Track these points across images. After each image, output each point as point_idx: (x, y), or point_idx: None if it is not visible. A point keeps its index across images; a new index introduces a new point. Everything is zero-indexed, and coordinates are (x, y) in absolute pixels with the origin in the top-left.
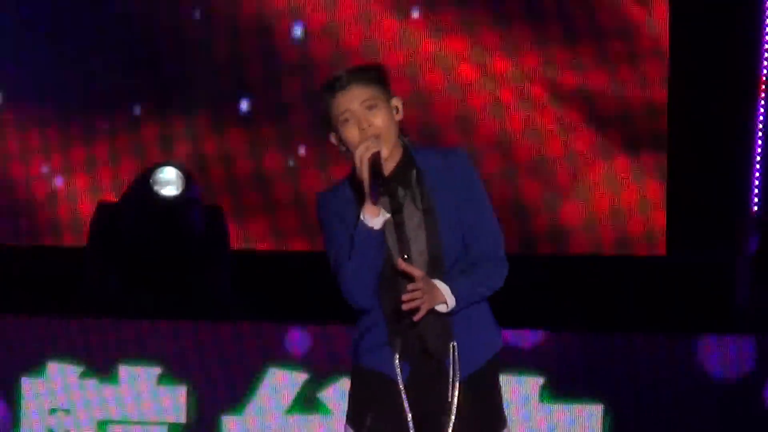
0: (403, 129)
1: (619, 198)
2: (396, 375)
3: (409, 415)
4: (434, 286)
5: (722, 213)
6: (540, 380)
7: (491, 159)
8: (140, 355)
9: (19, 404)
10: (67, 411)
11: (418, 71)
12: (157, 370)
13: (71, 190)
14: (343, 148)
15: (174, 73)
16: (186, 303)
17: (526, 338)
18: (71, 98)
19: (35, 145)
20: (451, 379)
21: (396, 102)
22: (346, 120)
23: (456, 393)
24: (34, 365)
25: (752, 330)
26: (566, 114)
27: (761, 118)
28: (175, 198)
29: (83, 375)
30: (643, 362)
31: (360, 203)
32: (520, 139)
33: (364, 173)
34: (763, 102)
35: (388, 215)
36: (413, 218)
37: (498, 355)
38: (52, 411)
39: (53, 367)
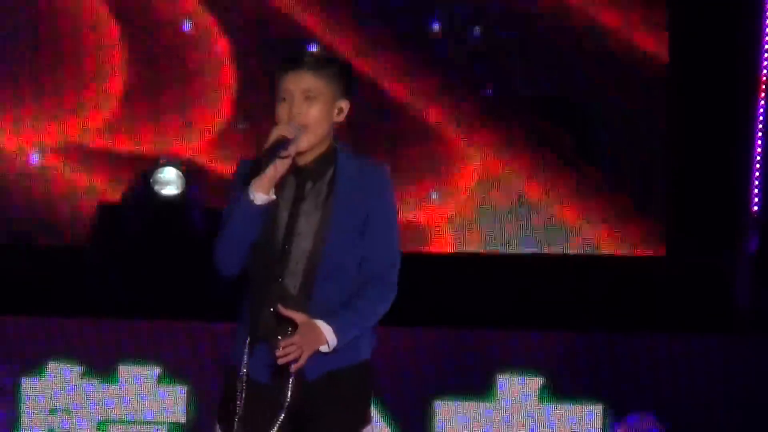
0: (337, 135)
1: (619, 198)
2: (242, 373)
3: (260, 417)
4: (315, 328)
5: (722, 213)
6: (540, 380)
7: (495, 162)
8: (140, 355)
9: (19, 404)
10: (67, 411)
11: None
12: (157, 370)
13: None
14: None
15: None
16: (186, 303)
17: (526, 338)
18: None
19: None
20: (290, 380)
21: (342, 104)
22: (284, 99)
23: (289, 394)
24: (34, 365)
25: (752, 330)
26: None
27: (761, 118)
28: (175, 198)
29: (83, 375)
30: (643, 362)
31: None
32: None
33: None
34: (763, 102)
35: (273, 197)
36: (309, 214)
37: (360, 367)
38: (52, 411)
39: (53, 367)
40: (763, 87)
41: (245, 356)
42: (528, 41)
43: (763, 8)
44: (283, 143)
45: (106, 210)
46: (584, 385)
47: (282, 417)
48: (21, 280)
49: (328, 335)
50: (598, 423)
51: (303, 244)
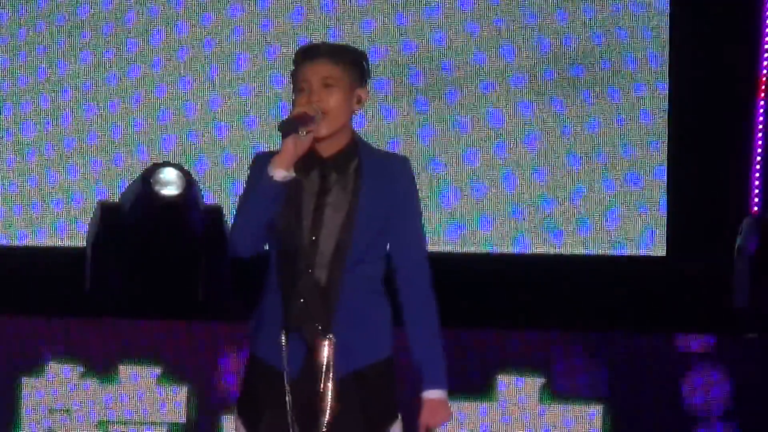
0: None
1: (619, 198)
2: (284, 369)
3: (291, 412)
4: (433, 405)
5: (722, 213)
6: (540, 380)
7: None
8: (140, 355)
9: (19, 404)
10: (67, 411)
11: None
12: (157, 370)
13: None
14: None
15: None
16: (186, 303)
17: (526, 338)
18: None
19: None
20: (327, 374)
21: (361, 93)
22: (302, 89)
23: (330, 386)
24: (34, 365)
25: (752, 330)
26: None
27: (761, 118)
28: (175, 198)
29: (83, 375)
30: (643, 362)
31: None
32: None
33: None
34: (763, 102)
35: (292, 175)
36: (336, 205)
37: (387, 362)
38: (52, 411)
39: (53, 367)
40: (763, 87)
41: (283, 349)
42: (529, 42)
43: (763, 8)
44: (304, 119)
45: (106, 210)
46: (584, 385)
47: (327, 411)
48: (21, 280)
49: (439, 395)
50: (598, 423)
51: (330, 235)
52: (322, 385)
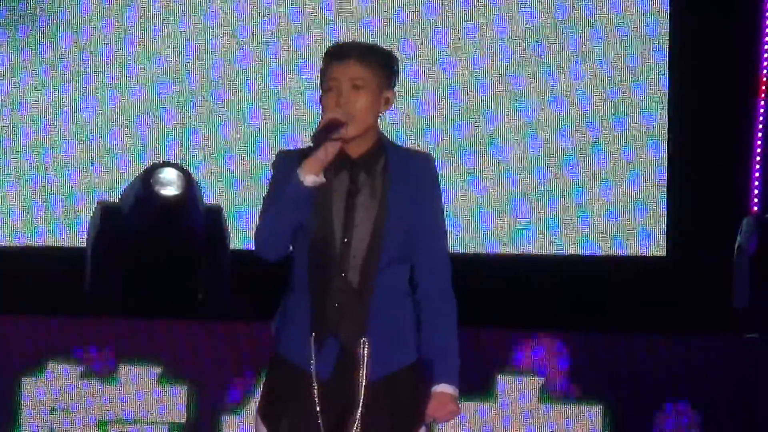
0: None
1: (619, 198)
2: (312, 371)
3: (320, 415)
4: (441, 398)
5: (722, 213)
6: (540, 380)
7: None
8: (140, 355)
9: (19, 404)
10: (67, 411)
11: None
12: (157, 370)
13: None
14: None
15: None
16: (186, 303)
17: (526, 338)
18: None
19: None
20: (361, 377)
21: (388, 94)
22: (330, 89)
23: (363, 390)
24: (34, 365)
25: (752, 330)
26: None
27: (761, 118)
28: (175, 198)
29: (83, 375)
30: (643, 362)
31: None
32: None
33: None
34: (763, 102)
35: (322, 180)
36: (366, 206)
37: (414, 366)
38: (52, 411)
39: (53, 367)
40: (763, 87)
41: (313, 351)
42: (529, 42)
43: (763, 8)
44: (335, 126)
45: (106, 210)
46: (584, 385)
47: (358, 414)
48: (21, 280)
49: (449, 390)
50: (598, 423)
51: (362, 236)
52: (356, 389)
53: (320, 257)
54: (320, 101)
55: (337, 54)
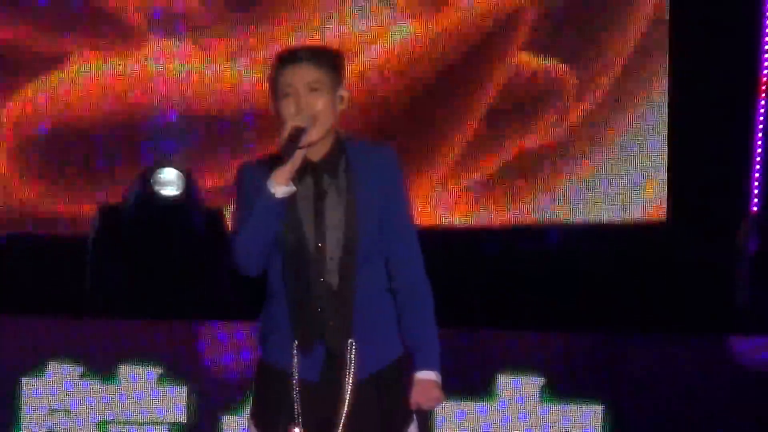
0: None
1: (619, 198)
2: (295, 380)
3: (309, 418)
4: (425, 385)
5: (722, 212)
6: (540, 380)
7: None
8: (140, 355)
9: (19, 404)
10: (67, 411)
11: None
12: (157, 370)
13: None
14: (280, 121)
15: None
16: (186, 303)
17: (526, 338)
18: None
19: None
20: (347, 378)
21: (343, 92)
22: (287, 95)
23: (348, 391)
24: (34, 365)
25: (752, 330)
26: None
27: (761, 118)
28: (175, 198)
29: (83, 375)
30: (643, 362)
31: None
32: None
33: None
34: (763, 102)
35: (293, 189)
36: (335, 207)
37: (401, 360)
38: (52, 411)
39: (53, 367)
40: (763, 87)
41: (295, 358)
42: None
43: (763, 8)
44: (300, 133)
45: (106, 211)
46: (584, 385)
47: (344, 413)
48: (21, 279)
49: (432, 377)
50: (598, 423)
51: (335, 237)
52: (343, 390)
53: (296, 264)
54: (274, 109)
55: (290, 59)
